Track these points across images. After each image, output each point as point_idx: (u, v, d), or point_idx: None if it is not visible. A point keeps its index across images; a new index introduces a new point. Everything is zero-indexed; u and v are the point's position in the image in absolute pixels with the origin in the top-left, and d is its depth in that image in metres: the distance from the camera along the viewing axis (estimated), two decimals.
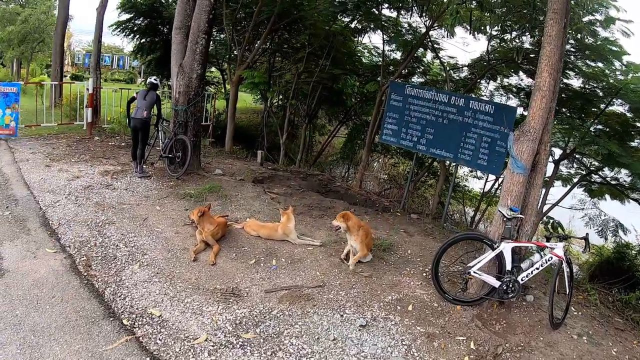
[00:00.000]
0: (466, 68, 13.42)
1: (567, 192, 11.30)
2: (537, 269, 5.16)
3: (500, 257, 5.13)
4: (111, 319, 4.33)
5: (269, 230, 6.47)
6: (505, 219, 5.21)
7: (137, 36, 16.90)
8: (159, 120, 9.25)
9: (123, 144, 11.24)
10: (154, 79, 8.86)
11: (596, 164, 10.73)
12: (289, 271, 5.64)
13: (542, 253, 5.23)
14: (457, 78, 13.69)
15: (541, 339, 4.92)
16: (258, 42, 14.45)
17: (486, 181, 14.47)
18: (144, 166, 8.89)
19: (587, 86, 10.19)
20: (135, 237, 6.02)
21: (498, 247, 5.10)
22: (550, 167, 9.53)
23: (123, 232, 6.13)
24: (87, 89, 12.32)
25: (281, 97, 18.28)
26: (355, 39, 15.33)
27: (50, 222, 6.24)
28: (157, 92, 8.98)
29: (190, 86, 8.99)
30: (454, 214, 15.21)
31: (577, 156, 11.05)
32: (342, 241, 6.46)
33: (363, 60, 16.18)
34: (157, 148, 9.43)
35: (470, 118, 7.79)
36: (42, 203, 6.84)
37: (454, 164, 9.67)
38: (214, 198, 7.82)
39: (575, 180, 11.38)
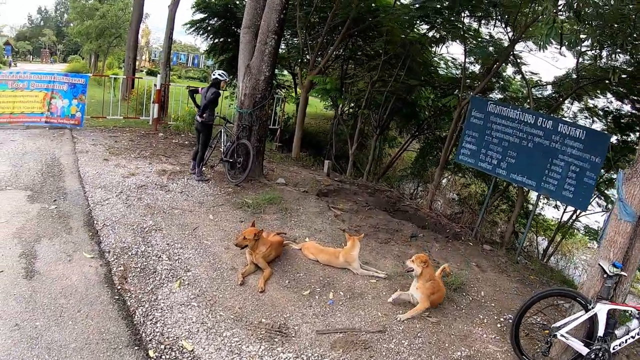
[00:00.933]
0: (550, 86, 12.28)
1: None
2: (633, 337, 4.11)
3: (593, 320, 4.13)
4: (136, 347, 3.72)
5: (330, 255, 5.68)
6: (605, 276, 4.19)
7: (211, 36, 16.97)
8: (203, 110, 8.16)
9: (187, 142, 10.94)
10: (219, 74, 8.17)
11: None
12: (347, 308, 4.82)
13: None
14: (540, 96, 12.53)
15: None
16: (331, 47, 13.87)
17: (564, 211, 13.07)
18: (203, 169, 8.41)
19: None
20: (181, 249, 5.43)
21: (593, 308, 4.10)
22: None
23: (169, 242, 5.57)
24: (155, 85, 12.15)
25: (352, 105, 17.60)
26: (432, 49, 14.44)
27: (94, 222, 5.82)
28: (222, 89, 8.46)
29: (257, 88, 8.43)
30: (526, 244, 13.88)
31: None
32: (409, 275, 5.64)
33: (439, 71, 15.19)
34: (221, 149, 8.94)
35: (557, 143, 6.97)
36: (91, 199, 6.47)
37: (536, 193, 8.57)
38: (272, 211, 7.18)
39: None
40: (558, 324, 4.28)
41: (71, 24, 39.43)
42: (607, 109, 11.54)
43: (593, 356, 4.04)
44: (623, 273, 4.27)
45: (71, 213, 6.01)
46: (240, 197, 7.51)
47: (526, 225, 8.61)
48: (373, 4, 13.06)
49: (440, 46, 13.87)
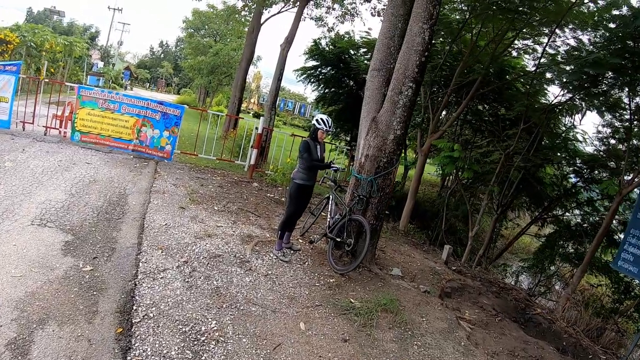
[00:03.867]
0: None
1: None
2: None
3: None
4: None
5: None
6: None
7: (321, 85, 16.31)
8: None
9: (283, 198, 9.08)
10: (317, 120, 6.05)
11: None
12: None
13: None
14: None
15: None
16: (450, 109, 12.19)
17: None
18: (291, 242, 6.43)
19: None
20: None
21: None
22: None
23: None
24: (256, 128, 10.61)
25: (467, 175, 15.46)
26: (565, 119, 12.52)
27: (133, 308, 3.87)
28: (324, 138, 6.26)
29: (384, 150, 6.35)
30: None
31: None
32: None
33: (568, 145, 12.80)
34: (327, 221, 6.74)
35: None
36: (143, 267, 4.60)
37: None
38: (387, 323, 4.91)
39: None
40: None
41: (186, 58, 41.21)
42: None
43: None
44: None
45: (107, 284, 4.15)
46: (345, 295, 5.32)
47: None
48: (507, 66, 11.62)
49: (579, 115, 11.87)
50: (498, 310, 7.13)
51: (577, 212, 13.71)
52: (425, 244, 11.09)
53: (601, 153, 11.66)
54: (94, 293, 3.96)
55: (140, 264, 4.64)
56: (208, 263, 5.09)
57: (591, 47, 9.15)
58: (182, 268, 4.78)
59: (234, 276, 4.97)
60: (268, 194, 9.21)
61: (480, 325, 6.02)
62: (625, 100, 9.65)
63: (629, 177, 9.41)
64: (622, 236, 11.79)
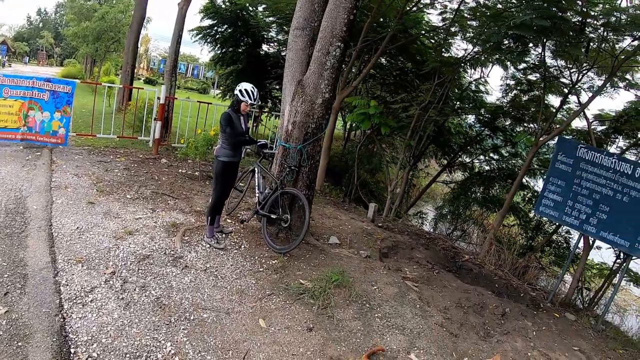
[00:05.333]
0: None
1: None
2: None
3: None
4: None
5: None
6: None
7: (219, 45, 15.57)
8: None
9: (197, 173, 8.47)
10: (240, 90, 5.47)
11: None
12: None
13: None
14: (599, 134, 10.64)
15: None
16: (358, 66, 12.22)
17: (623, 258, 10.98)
18: (222, 225, 5.96)
19: None
20: None
21: None
22: None
23: None
24: (158, 98, 9.69)
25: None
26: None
27: (72, 351, 3.21)
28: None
29: (312, 115, 5.98)
30: (563, 286, 11.56)
31: None
32: None
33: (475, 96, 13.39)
34: (256, 196, 6.31)
35: None
36: (65, 292, 3.88)
37: (623, 252, 7.37)
38: (344, 300, 4.71)
39: None
40: None
41: (68, 25, 37.37)
42: None
43: None
44: None
45: (32, 326, 3.40)
46: (293, 276, 5.03)
47: (613, 292, 7.05)
48: (414, 21, 11.58)
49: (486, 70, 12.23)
50: (432, 263, 7.45)
51: (482, 157, 14.56)
52: (345, 202, 11.23)
53: (505, 103, 12.26)
54: (19, 344, 3.21)
55: (62, 288, 3.92)
56: (138, 269, 4.49)
57: (499, 5, 9.21)
58: (111, 282, 4.14)
59: (172, 279, 4.45)
60: (180, 170, 8.55)
61: (423, 281, 6.17)
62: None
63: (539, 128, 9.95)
64: (528, 180, 12.71)
